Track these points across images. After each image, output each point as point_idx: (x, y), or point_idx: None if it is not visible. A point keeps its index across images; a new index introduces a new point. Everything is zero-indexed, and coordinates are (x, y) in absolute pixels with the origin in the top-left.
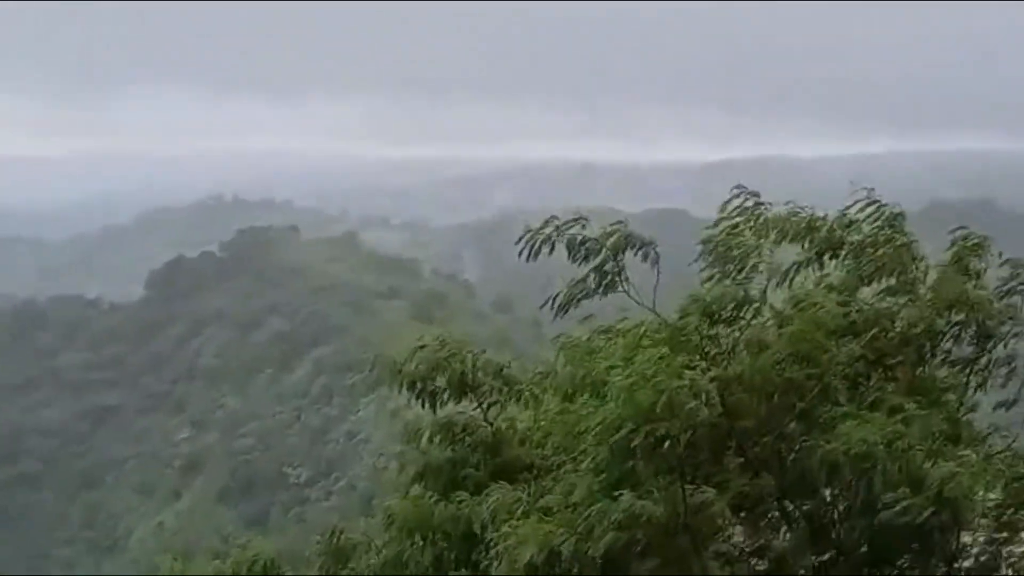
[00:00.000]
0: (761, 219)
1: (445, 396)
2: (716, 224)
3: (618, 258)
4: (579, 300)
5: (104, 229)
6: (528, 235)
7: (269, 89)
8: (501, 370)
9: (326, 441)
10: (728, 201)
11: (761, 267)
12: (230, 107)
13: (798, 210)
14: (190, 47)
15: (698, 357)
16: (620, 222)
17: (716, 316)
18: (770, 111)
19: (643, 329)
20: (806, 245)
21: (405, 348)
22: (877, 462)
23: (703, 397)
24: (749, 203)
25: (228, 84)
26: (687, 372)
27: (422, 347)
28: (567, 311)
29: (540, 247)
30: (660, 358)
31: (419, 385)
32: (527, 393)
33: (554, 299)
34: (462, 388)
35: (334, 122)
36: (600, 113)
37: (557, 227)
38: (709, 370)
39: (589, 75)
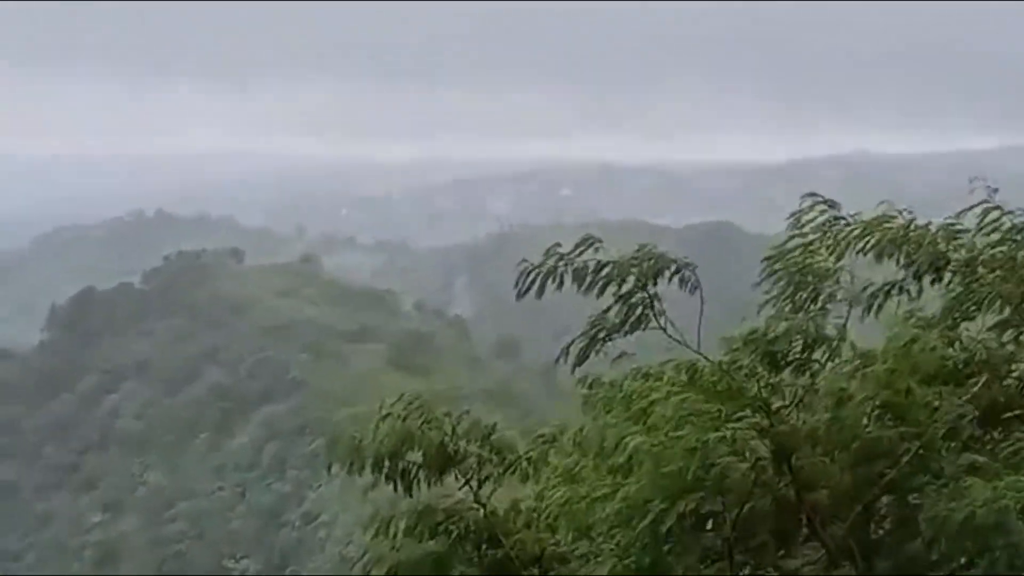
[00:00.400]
0: (842, 235)
1: (421, 475)
2: (786, 242)
3: (647, 287)
4: (603, 343)
5: None
6: (526, 269)
7: (206, 74)
8: (489, 435)
9: (279, 525)
10: (800, 212)
11: (840, 294)
12: (154, 96)
13: (891, 215)
14: (102, 22)
15: (753, 410)
16: (645, 245)
17: (780, 358)
18: (834, 98)
19: (680, 372)
20: (900, 260)
21: (379, 406)
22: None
23: (750, 457)
24: (822, 216)
25: (152, 68)
26: (729, 425)
27: (386, 416)
28: (586, 357)
29: (542, 283)
30: (687, 404)
31: (386, 464)
32: (525, 464)
33: (567, 348)
34: (442, 463)
35: (289, 115)
36: (615, 102)
37: (562, 256)
38: (770, 424)
39: (600, 57)
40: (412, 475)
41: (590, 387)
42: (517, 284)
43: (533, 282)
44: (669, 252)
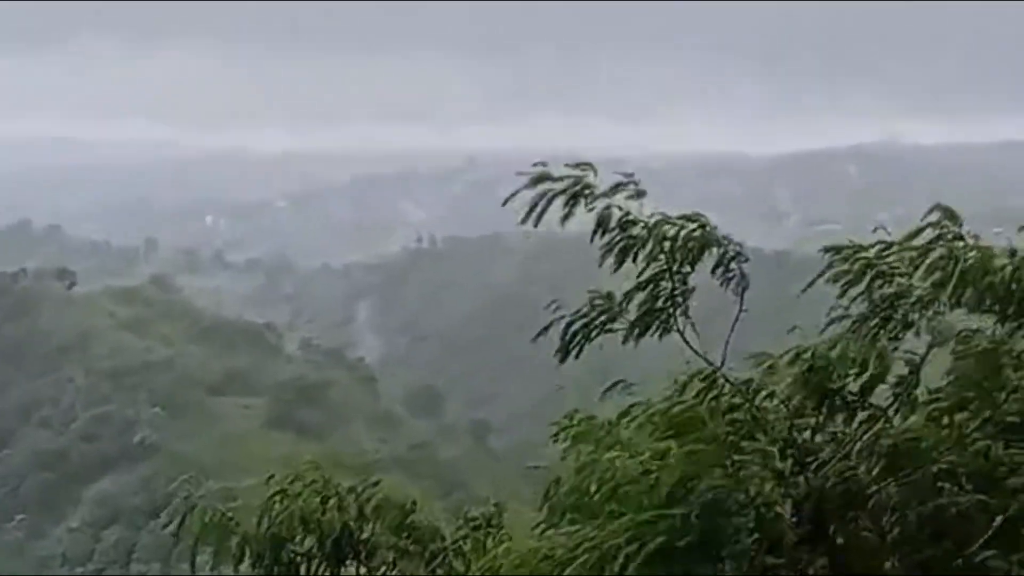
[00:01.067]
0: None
1: (319, 568)
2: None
3: (683, 269)
4: (600, 331)
5: None
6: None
7: (20, 40)
8: (406, 517)
9: None
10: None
11: (922, 323)
12: None
13: (944, 225)
14: None
15: (780, 450)
16: (699, 215)
17: (831, 393)
18: (846, 81)
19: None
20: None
21: (257, 476)
22: None
23: (762, 507)
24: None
25: None
26: (739, 457)
27: (277, 493)
28: (581, 349)
29: (543, 209)
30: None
31: (267, 556)
32: (452, 555)
33: (568, 334)
34: (343, 553)
35: (135, 92)
36: (567, 78)
37: (580, 184)
38: (801, 474)
39: (550, 20)
40: (307, 569)
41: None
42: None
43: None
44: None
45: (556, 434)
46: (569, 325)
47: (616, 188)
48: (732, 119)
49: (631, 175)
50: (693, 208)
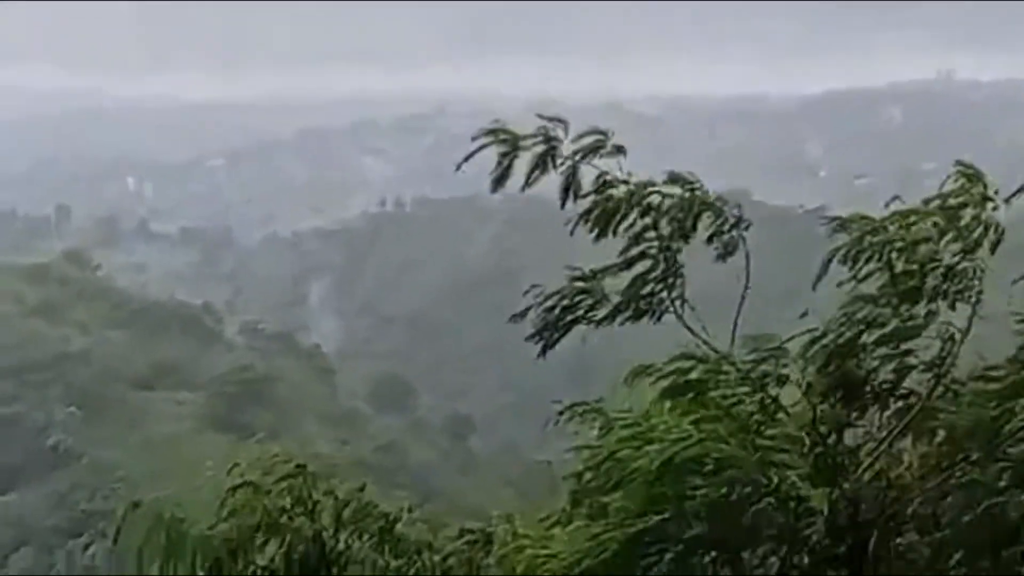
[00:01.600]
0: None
1: None
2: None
3: (673, 242)
4: (584, 321)
5: None
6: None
7: None
8: (391, 527)
9: None
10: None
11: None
12: None
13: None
14: None
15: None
16: (683, 179)
17: (860, 380)
18: (888, 8)
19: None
20: None
21: (198, 484)
22: None
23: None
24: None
25: None
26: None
27: (238, 486)
28: (556, 340)
29: (503, 173)
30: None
31: (225, 567)
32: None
33: (545, 324)
34: (314, 568)
35: (32, 33)
36: (539, 10)
37: (547, 142)
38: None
39: None
40: None
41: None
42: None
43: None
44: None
45: (561, 415)
46: (548, 312)
47: (591, 148)
48: (750, 55)
49: (603, 131)
50: (704, 163)
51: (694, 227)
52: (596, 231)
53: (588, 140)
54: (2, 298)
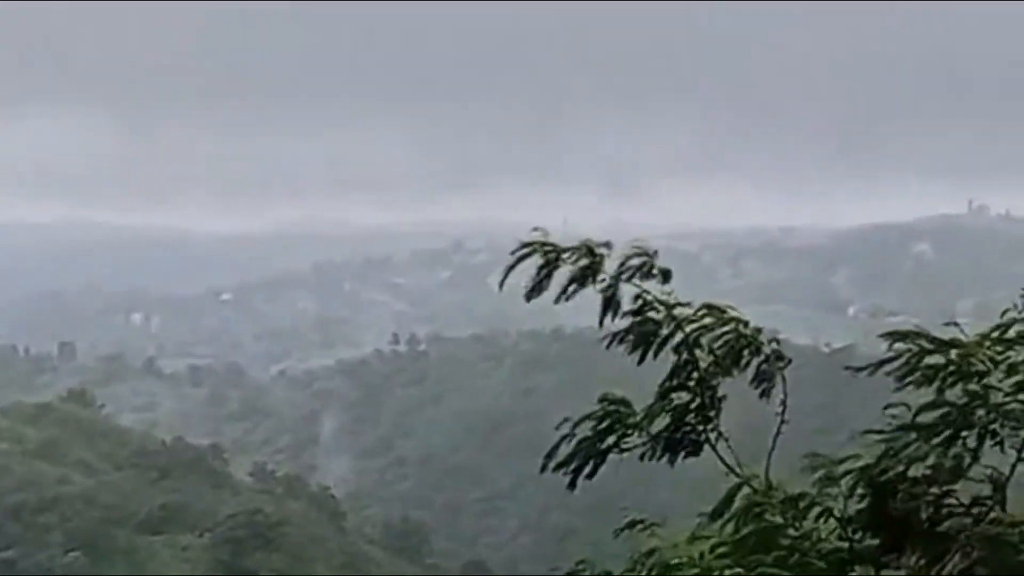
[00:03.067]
0: None
1: None
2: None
3: (713, 382)
4: (615, 448)
5: None
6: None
7: None
8: None
9: None
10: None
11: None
12: None
13: None
14: None
15: None
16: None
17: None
18: (920, 138)
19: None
20: None
21: None
22: None
23: None
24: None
25: None
26: None
27: None
28: (600, 463)
29: (541, 280)
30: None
31: None
32: None
33: (575, 456)
34: None
35: (50, 157)
36: (572, 139)
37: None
38: None
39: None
40: None
41: None
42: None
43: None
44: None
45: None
46: (583, 442)
47: (637, 268)
48: (778, 188)
49: (650, 252)
50: (732, 297)
51: (735, 363)
52: (633, 351)
53: (635, 261)
54: (3, 438)
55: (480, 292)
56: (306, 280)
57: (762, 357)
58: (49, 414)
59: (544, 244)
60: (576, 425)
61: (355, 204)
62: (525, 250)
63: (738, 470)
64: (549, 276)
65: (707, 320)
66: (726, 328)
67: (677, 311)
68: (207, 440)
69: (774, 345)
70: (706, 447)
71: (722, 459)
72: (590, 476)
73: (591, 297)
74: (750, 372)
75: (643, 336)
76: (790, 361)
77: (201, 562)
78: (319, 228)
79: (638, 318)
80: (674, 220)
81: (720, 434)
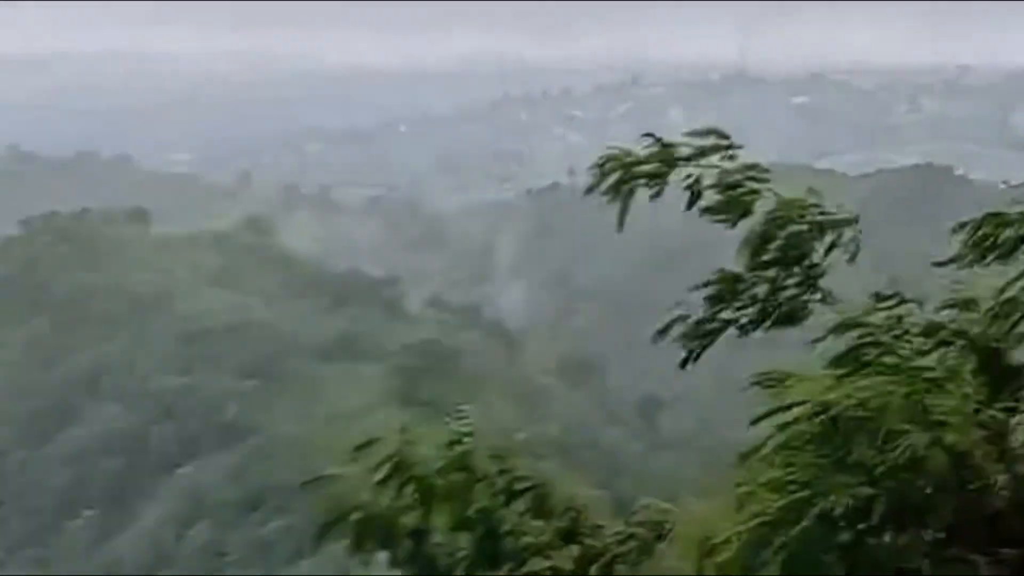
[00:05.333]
0: None
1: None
2: None
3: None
4: (731, 327)
5: None
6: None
7: None
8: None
9: None
10: None
11: None
12: None
13: None
14: None
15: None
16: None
17: None
18: None
19: None
20: None
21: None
22: None
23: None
24: None
25: None
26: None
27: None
28: (711, 341)
29: (624, 206)
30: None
31: (409, 547)
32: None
33: (669, 327)
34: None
35: None
36: None
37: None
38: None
39: None
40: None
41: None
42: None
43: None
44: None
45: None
46: (695, 325)
47: (709, 149)
48: (952, 24)
49: (720, 131)
50: (908, 132)
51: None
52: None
53: (707, 142)
54: (180, 264)
55: (655, 124)
56: (484, 113)
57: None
58: (227, 242)
59: (619, 157)
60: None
61: (533, 37)
62: (608, 166)
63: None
64: (631, 192)
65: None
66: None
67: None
68: (383, 271)
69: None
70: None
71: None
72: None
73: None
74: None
75: (727, 208)
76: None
77: (376, 391)
78: (498, 63)
79: (722, 195)
80: (850, 58)
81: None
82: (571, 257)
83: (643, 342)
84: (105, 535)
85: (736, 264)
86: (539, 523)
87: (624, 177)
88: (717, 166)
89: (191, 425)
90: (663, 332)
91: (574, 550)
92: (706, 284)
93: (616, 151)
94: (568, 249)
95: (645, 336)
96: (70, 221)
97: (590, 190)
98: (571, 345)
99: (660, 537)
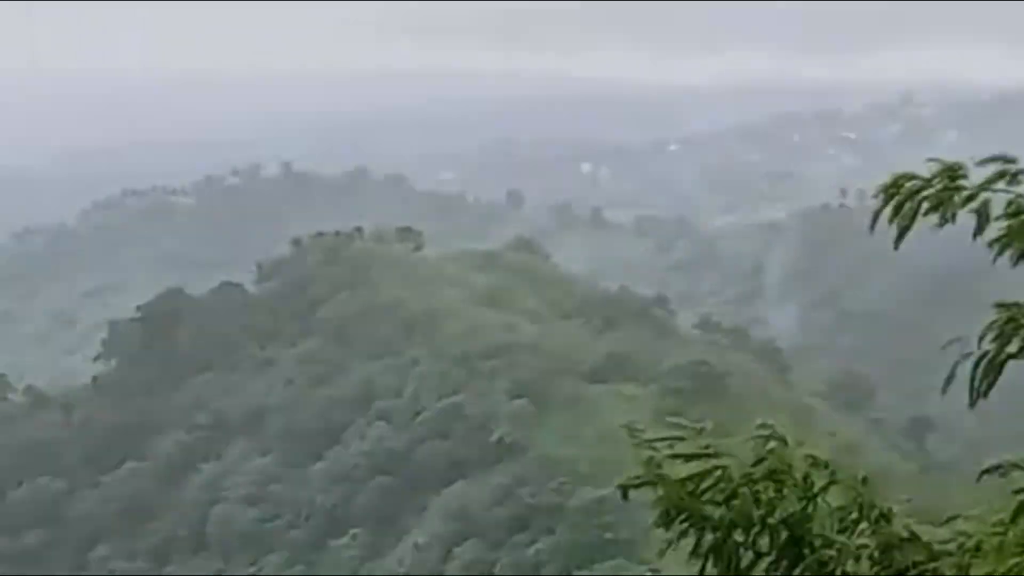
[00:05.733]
0: None
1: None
2: None
3: None
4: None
5: None
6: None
7: None
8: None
9: None
10: None
11: None
12: None
13: None
14: None
15: None
16: None
17: None
18: None
19: None
20: None
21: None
22: None
23: None
24: None
25: None
26: None
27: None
28: (997, 375)
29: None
30: None
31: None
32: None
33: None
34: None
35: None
36: None
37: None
38: None
39: None
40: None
41: None
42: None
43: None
44: None
45: None
46: (979, 361)
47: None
48: None
49: (1009, 158)
50: None
51: None
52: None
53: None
54: (451, 284)
55: (930, 147)
56: (755, 132)
57: None
58: (496, 262)
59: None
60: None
61: (809, 56)
62: (893, 190)
63: None
64: (914, 216)
65: None
66: None
67: None
68: (652, 291)
69: None
70: None
71: None
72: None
73: None
74: None
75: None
76: None
77: (645, 412)
78: (771, 81)
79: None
80: None
81: None
82: (841, 279)
83: (912, 363)
84: (372, 553)
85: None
86: (847, 533)
87: (909, 202)
88: (1008, 191)
89: (459, 445)
90: (949, 380)
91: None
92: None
93: (901, 174)
94: (838, 271)
95: (914, 357)
96: (341, 240)
97: (877, 213)
98: (840, 366)
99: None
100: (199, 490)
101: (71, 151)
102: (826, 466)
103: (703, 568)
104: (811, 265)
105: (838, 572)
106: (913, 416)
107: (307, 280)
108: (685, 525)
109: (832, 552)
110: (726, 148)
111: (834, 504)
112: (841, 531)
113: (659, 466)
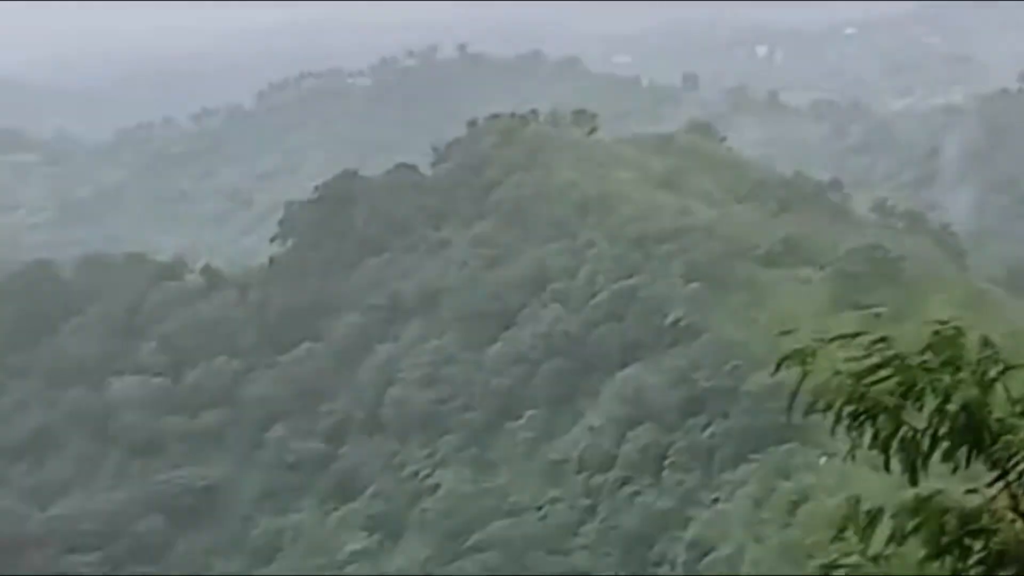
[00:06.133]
0: None
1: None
2: None
3: None
4: None
5: None
6: None
7: None
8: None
9: (647, 562)
10: None
11: None
12: None
13: None
14: None
15: None
16: None
17: None
18: None
19: None
20: None
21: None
22: None
23: None
24: None
25: None
26: None
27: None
28: None
29: None
30: None
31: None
32: None
33: None
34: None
35: None
36: None
37: None
38: None
39: None
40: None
41: None
42: None
43: None
44: None
45: None
46: None
47: None
48: None
49: None
50: None
51: None
52: None
53: None
54: (626, 167)
55: None
56: (933, 16)
57: None
58: (671, 144)
59: None
60: None
61: None
62: None
63: None
64: None
65: None
66: None
67: None
68: (828, 174)
69: None
70: None
71: None
72: None
73: None
74: None
75: None
76: None
77: (820, 296)
78: None
79: None
80: None
81: None
82: (1019, 164)
83: None
84: (547, 435)
85: None
86: None
87: None
88: None
89: (634, 327)
90: None
91: None
92: None
93: None
94: (1016, 156)
95: None
96: (516, 122)
97: None
98: (1018, 252)
99: None
100: (374, 371)
101: (247, 31)
102: (999, 354)
103: (887, 460)
104: (988, 149)
105: (1021, 455)
106: None
107: (482, 162)
108: (860, 414)
109: (1013, 437)
110: (903, 31)
111: (1012, 392)
112: (1020, 415)
113: (812, 354)
